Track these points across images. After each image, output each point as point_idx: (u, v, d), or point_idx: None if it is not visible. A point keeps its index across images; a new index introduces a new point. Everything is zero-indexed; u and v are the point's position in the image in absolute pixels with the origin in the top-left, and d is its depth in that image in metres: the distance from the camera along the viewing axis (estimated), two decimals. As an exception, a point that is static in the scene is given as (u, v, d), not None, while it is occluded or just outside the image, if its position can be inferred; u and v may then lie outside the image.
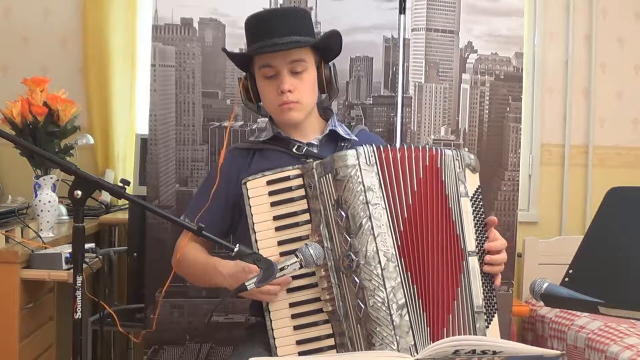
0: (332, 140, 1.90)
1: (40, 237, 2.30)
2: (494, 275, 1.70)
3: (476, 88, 2.70)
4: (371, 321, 1.56)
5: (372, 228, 1.58)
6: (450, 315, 1.62)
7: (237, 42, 2.55)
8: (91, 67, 3.39)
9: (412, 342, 1.56)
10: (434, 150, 1.68)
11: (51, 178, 2.42)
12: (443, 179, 1.66)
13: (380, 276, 1.57)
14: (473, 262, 1.65)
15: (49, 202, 2.41)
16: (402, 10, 2.63)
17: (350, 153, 1.62)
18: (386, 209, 1.61)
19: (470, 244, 1.66)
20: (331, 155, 1.64)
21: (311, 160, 1.72)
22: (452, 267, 1.64)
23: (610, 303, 1.38)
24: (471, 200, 1.69)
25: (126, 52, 3.43)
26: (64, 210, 2.83)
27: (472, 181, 1.71)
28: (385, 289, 1.56)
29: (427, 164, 1.66)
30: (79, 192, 1.50)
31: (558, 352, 1.29)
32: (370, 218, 1.58)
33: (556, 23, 3.75)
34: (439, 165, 1.66)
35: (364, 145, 1.64)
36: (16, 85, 2.49)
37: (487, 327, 1.65)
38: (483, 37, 2.69)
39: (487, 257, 1.67)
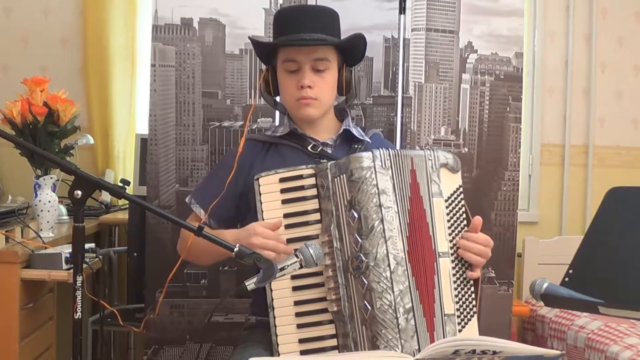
0: (346, 142, 1.92)
1: (40, 237, 2.30)
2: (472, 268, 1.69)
3: (476, 88, 2.70)
4: (377, 323, 1.56)
5: (384, 231, 1.58)
6: (435, 319, 1.62)
7: (237, 42, 2.55)
8: (91, 67, 3.39)
9: (417, 347, 1.56)
10: (412, 151, 1.69)
11: (51, 178, 2.42)
12: (418, 180, 1.66)
13: (389, 279, 1.56)
14: (443, 263, 1.65)
15: (49, 202, 2.40)
16: (402, 10, 2.63)
17: (366, 155, 1.61)
18: (398, 213, 1.61)
19: (442, 245, 1.66)
20: (347, 157, 1.64)
21: (325, 160, 1.73)
22: (431, 270, 1.64)
23: (610, 303, 1.38)
24: (447, 200, 1.69)
25: (126, 52, 3.43)
26: (64, 210, 2.83)
27: (450, 181, 1.70)
28: (393, 292, 1.56)
29: (411, 167, 1.66)
30: (79, 192, 1.49)
31: (558, 352, 1.29)
32: (382, 221, 1.58)
33: (556, 23, 3.76)
34: (414, 167, 1.67)
35: (380, 149, 1.64)
36: (16, 85, 2.49)
37: (461, 330, 1.65)
38: (483, 37, 2.69)
39: (458, 240, 1.66)
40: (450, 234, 1.68)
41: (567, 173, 3.79)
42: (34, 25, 3.44)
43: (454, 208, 1.69)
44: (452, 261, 1.67)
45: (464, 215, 1.71)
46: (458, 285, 1.67)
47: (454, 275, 1.67)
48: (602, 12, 3.77)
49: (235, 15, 2.55)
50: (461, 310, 1.66)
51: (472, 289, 1.70)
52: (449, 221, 1.68)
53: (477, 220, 1.70)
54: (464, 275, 1.68)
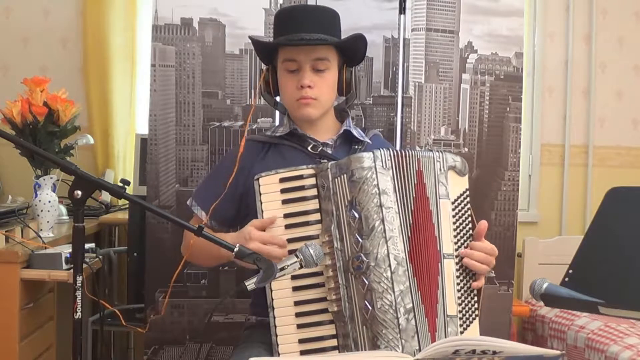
0: (346, 142, 1.92)
1: (40, 237, 2.30)
2: (475, 277, 1.69)
3: (476, 88, 2.70)
4: (377, 323, 1.56)
5: (385, 231, 1.58)
6: (437, 319, 1.62)
7: (237, 42, 2.55)
8: (91, 67, 3.39)
9: (417, 347, 1.56)
10: (419, 153, 1.69)
11: (51, 178, 2.42)
12: (425, 181, 1.66)
13: (389, 279, 1.56)
14: (448, 264, 1.65)
15: (49, 202, 2.41)
16: (402, 10, 2.63)
17: (367, 155, 1.61)
18: (399, 213, 1.61)
19: (447, 246, 1.66)
20: (347, 157, 1.64)
21: (325, 160, 1.73)
22: (435, 270, 1.64)
23: (610, 303, 1.38)
24: (454, 202, 1.69)
25: (126, 52, 3.43)
26: (64, 210, 2.83)
27: (457, 184, 1.71)
28: (394, 292, 1.56)
29: (417, 168, 1.66)
30: (79, 192, 1.49)
31: (558, 352, 1.29)
32: (383, 221, 1.58)
33: (556, 23, 3.76)
34: (422, 168, 1.67)
35: (381, 149, 1.64)
36: (16, 85, 2.49)
37: (463, 332, 1.65)
38: (483, 37, 2.69)
39: (462, 252, 1.67)
40: (455, 237, 1.68)
41: (567, 173, 3.79)
42: (34, 25, 3.44)
43: (460, 211, 1.70)
44: (457, 263, 1.67)
45: (470, 219, 1.71)
46: (461, 288, 1.67)
47: (458, 277, 1.67)
48: (602, 12, 3.77)
49: (235, 15, 2.55)
50: (464, 312, 1.66)
51: (475, 291, 1.70)
52: (454, 224, 1.68)
53: (483, 224, 1.70)
54: (468, 278, 1.69)
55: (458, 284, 1.66)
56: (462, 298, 1.67)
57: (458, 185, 1.71)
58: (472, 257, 1.67)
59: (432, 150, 1.72)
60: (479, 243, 1.69)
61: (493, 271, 2.69)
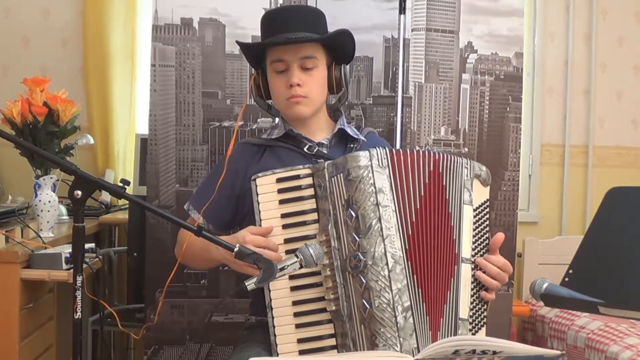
0: (341, 142, 1.92)
1: (40, 237, 2.30)
2: (488, 289, 1.69)
3: (476, 88, 2.70)
4: (375, 322, 1.56)
5: (382, 229, 1.58)
6: (442, 319, 1.62)
7: (237, 42, 2.55)
8: (91, 67, 3.39)
9: (415, 345, 1.56)
10: (439, 155, 1.68)
11: (51, 178, 2.42)
12: (444, 183, 1.66)
13: (387, 277, 1.56)
14: (465, 269, 1.65)
15: (49, 202, 2.40)
16: (402, 10, 2.63)
17: (363, 154, 1.61)
18: (396, 211, 1.60)
19: (466, 251, 1.66)
20: (344, 156, 1.64)
21: (322, 160, 1.73)
22: (446, 271, 1.64)
23: (610, 303, 1.38)
24: (475, 210, 1.69)
25: (126, 52, 3.43)
26: (64, 210, 2.83)
27: (480, 193, 1.71)
28: (391, 290, 1.56)
29: (432, 168, 1.66)
30: (79, 192, 1.49)
31: (558, 352, 1.29)
32: (380, 219, 1.58)
33: (556, 23, 3.76)
34: (440, 170, 1.66)
35: (377, 148, 1.64)
36: (16, 85, 2.49)
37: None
38: (483, 37, 2.69)
39: (478, 260, 1.67)
40: (473, 243, 1.68)
41: (567, 173, 3.79)
42: (34, 25, 3.44)
43: (479, 220, 1.70)
44: (473, 269, 1.67)
45: (487, 229, 1.71)
46: (474, 293, 1.67)
47: (472, 282, 1.67)
48: (602, 12, 3.78)
49: (235, 15, 2.55)
50: (474, 317, 1.67)
51: (485, 298, 1.71)
52: (473, 230, 1.68)
53: (500, 236, 1.70)
54: (481, 285, 1.69)
55: (472, 289, 1.67)
56: (474, 303, 1.67)
57: (480, 194, 1.71)
58: (487, 269, 1.67)
59: (460, 156, 1.72)
60: (493, 257, 1.69)
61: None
